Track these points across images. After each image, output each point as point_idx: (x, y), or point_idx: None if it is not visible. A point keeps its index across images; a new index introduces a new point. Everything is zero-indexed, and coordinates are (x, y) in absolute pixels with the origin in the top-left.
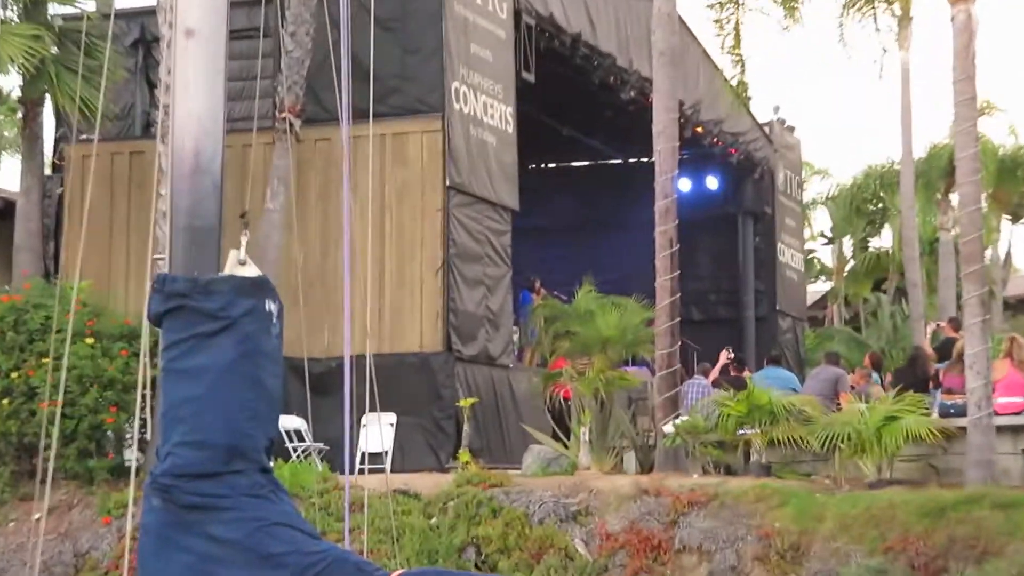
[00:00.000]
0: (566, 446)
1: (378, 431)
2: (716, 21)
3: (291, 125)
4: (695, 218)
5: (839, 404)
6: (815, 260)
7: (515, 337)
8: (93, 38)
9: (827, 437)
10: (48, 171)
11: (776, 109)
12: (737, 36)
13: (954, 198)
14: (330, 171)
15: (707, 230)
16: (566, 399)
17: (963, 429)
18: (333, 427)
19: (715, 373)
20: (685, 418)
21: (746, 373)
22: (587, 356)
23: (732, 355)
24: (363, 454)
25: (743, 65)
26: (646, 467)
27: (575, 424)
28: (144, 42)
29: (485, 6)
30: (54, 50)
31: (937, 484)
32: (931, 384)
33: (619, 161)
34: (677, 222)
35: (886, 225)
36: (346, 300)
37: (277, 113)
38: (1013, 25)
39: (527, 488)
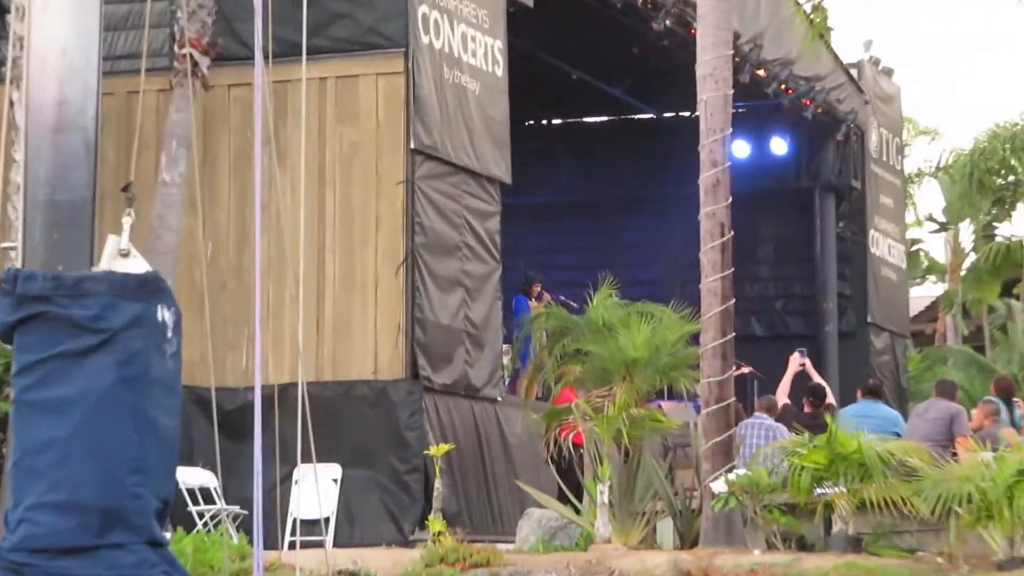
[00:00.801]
0: (577, 510)
1: (316, 490)
2: None
3: (195, 64)
4: (756, 195)
5: (955, 452)
6: (921, 254)
7: (506, 360)
8: None
9: (939, 499)
10: None
11: (868, 45)
12: None
13: None
14: (250, 129)
15: (772, 212)
16: (577, 445)
17: None
18: (248, 484)
19: (783, 391)
20: (742, 472)
21: (828, 401)
22: (606, 386)
23: (806, 361)
24: (295, 522)
25: None
26: (688, 540)
27: (589, 480)
28: None
29: None
30: None
31: None
32: None
33: (650, 116)
34: (730, 201)
35: (1019, 205)
36: (256, 308)
37: (176, 48)
38: None
39: (523, 569)
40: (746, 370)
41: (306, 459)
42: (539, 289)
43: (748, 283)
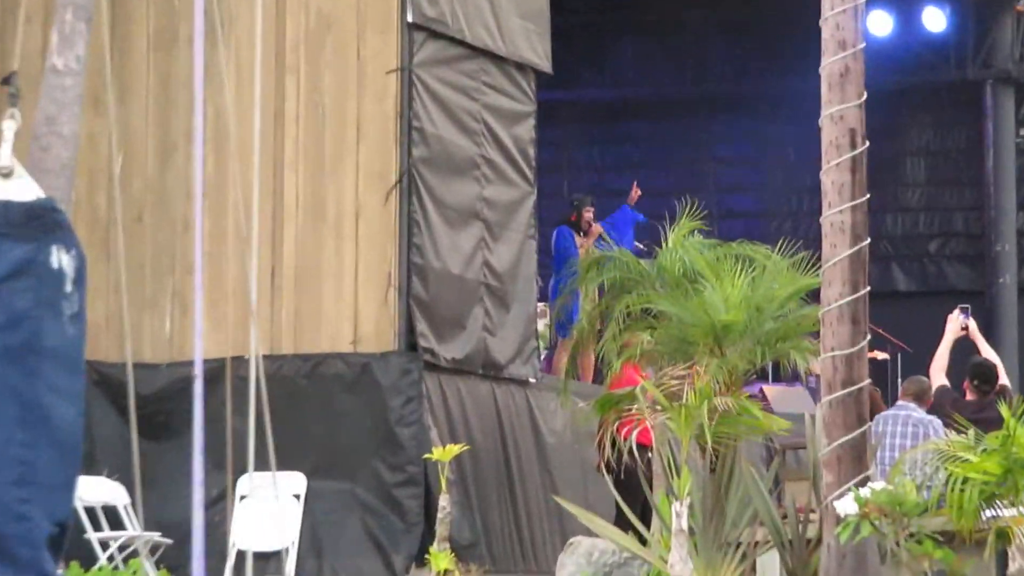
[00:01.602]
0: (643, 540)
1: (270, 509)
2: None
3: None
4: (901, 91)
5: None
6: None
7: (542, 324)
8: None
9: None
10: None
11: None
12: None
13: None
14: None
15: (924, 114)
16: (643, 447)
17: None
18: (179, 501)
19: (939, 370)
20: (880, 486)
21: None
22: (686, 362)
23: (969, 321)
24: (239, 555)
25: None
26: None
27: (661, 497)
28: None
29: None
30: None
31: None
32: None
33: None
34: (864, 98)
35: None
36: (197, 250)
37: None
38: None
39: None
40: (880, 356)
41: (258, 465)
42: (590, 220)
43: (890, 216)
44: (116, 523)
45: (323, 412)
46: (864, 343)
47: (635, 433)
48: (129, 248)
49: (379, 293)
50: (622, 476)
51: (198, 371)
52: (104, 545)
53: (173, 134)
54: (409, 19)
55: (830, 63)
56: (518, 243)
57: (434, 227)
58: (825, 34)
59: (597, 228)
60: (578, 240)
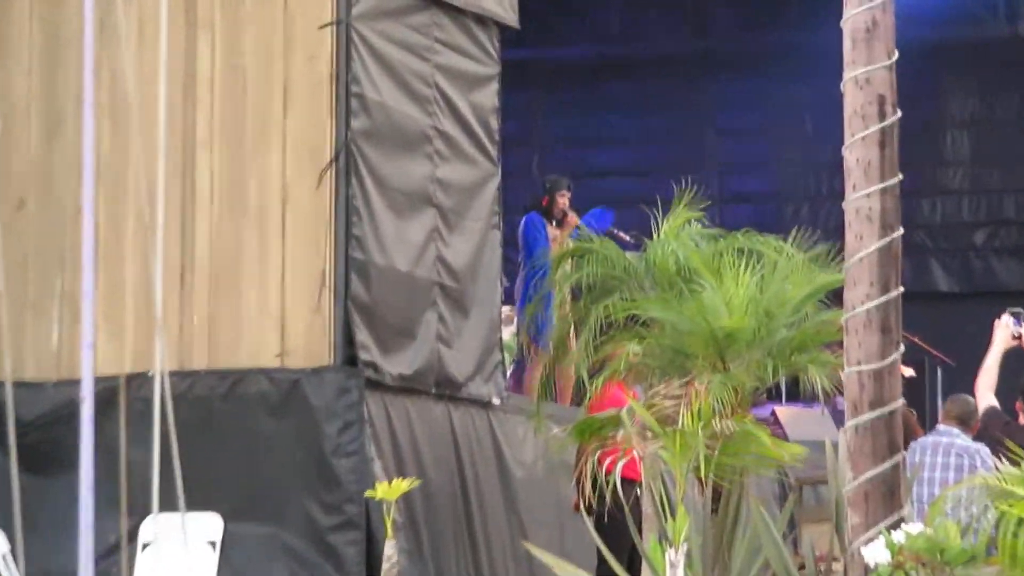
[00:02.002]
0: None
1: (179, 559)
2: None
3: None
4: (939, 50)
5: None
6: None
7: (508, 333)
8: None
9: None
10: None
11: None
12: None
13: None
14: None
15: (967, 78)
16: (630, 481)
17: None
18: (69, 548)
19: (987, 387)
20: (916, 528)
21: None
22: (681, 378)
23: (1022, 329)
24: None
25: None
26: None
27: (652, 543)
28: None
29: None
30: None
31: None
32: None
33: None
34: (895, 58)
35: None
36: (86, 244)
37: None
38: None
39: None
40: (908, 373)
41: (164, 506)
42: (565, 205)
43: (927, 201)
44: None
45: (243, 440)
46: (897, 355)
47: (620, 465)
48: (8, 241)
49: (311, 295)
50: (605, 517)
51: (86, 391)
52: None
53: (61, 102)
54: None
55: (854, 15)
56: (479, 234)
57: (377, 215)
58: None
59: (574, 217)
60: (551, 231)
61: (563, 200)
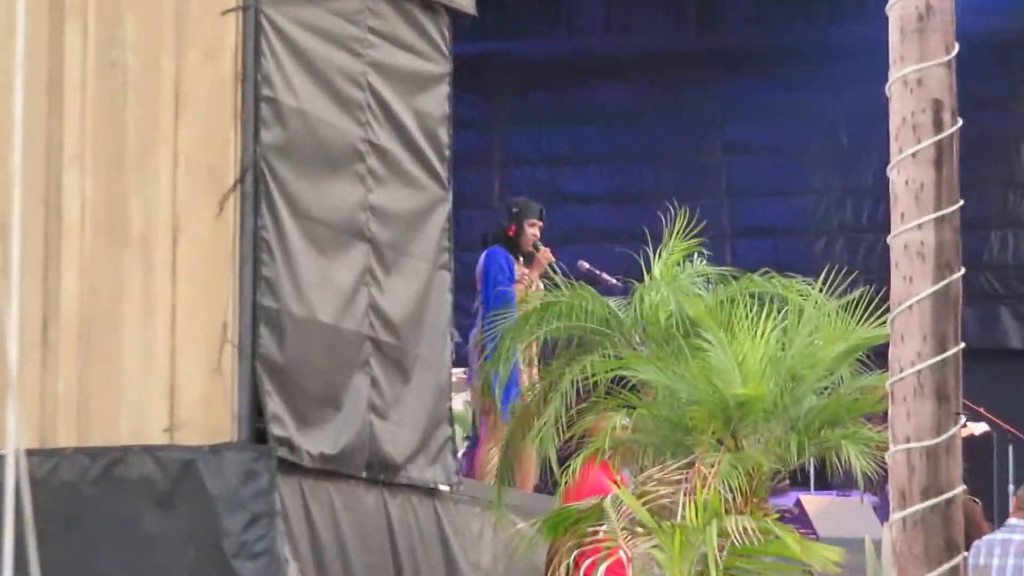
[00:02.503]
0: None
1: None
2: None
3: None
4: (1010, 42)
5: None
6: None
7: (460, 401)
8: None
9: None
10: None
11: None
12: None
13: None
14: None
15: None
16: None
17: None
18: None
19: None
20: None
21: None
22: (679, 459)
23: None
24: None
25: None
26: None
27: None
28: None
29: None
30: None
31: None
32: None
33: None
34: (955, 52)
35: None
36: None
37: None
38: None
39: None
40: (979, 431)
41: None
42: (536, 237)
43: (996, 233)
44: None
45: (121, 537)
46: (956, 429)
47: (603, 569)
48: None
49: (209, 353)
50: None
51: None
52: None
53: None
54: None
55: (902, 2)
56: (423, 276)
57: (294, 252)
58: None
59: (546, 253)
60: (518, 269)
61: (533, 231)
